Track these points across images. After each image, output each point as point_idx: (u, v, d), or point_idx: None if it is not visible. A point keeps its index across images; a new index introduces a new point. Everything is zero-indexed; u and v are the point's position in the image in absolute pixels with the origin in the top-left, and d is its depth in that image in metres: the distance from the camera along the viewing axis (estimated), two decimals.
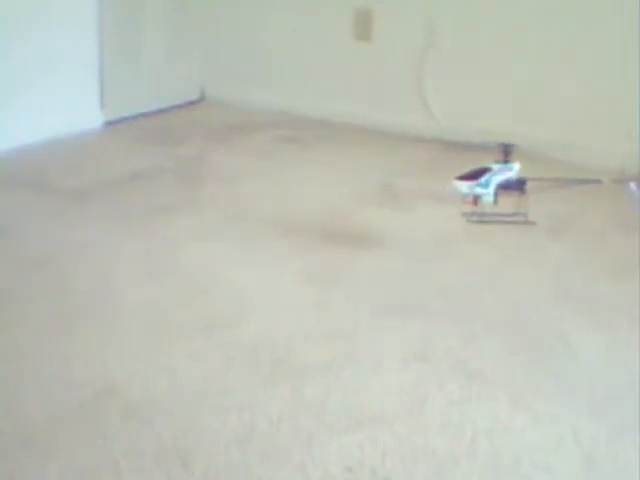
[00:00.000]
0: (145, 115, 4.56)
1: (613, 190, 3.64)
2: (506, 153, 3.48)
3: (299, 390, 2.23)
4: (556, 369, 2.37)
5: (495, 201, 3.34)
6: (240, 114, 4.63)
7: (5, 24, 3.94)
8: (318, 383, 2.27)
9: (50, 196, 3.49)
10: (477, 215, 3.32)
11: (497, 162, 3.47)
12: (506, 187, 3.40)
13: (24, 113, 4.01)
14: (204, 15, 4.83)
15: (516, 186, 3.41)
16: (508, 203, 3.36)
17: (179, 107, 4.77)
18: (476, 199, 3.35)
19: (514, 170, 3.47)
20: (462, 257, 3.06)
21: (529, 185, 3.44)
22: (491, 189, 3.34)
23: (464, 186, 3.34)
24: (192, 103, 4.86)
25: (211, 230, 3.23)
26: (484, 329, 2.55)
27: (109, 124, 4.41)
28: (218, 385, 2.25)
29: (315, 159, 4.03)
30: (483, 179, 3.35)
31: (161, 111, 4.65)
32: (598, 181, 3.63)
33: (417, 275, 2.90)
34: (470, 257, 3.05)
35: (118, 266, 2.93)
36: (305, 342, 2.47)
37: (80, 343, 2.44)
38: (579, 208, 3.49)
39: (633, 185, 3.44)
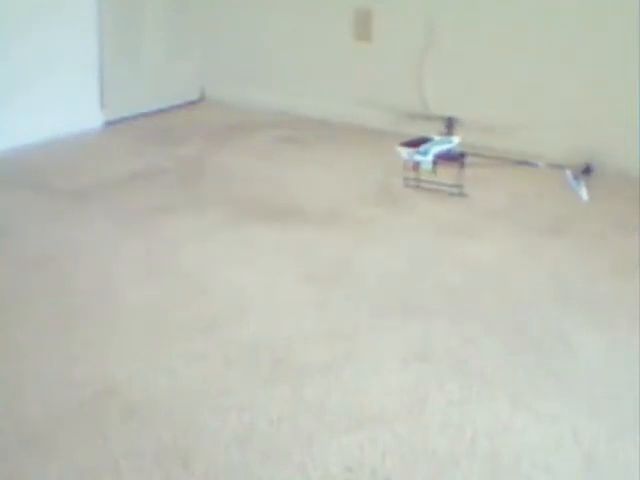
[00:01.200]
0: (145, 115, 4.56)
1: (548, 174, 3.78)
2: (449, 126, 3.90)
3: (299, 390, 2.23)
4: (556, 369, 2.37)
5: (433, 170, 3.59)
6: (240, 114, 4.63)
7: (5, 24, 3.94)
8: (318, 383, 2.27)
9: (50, 196, 3.49)
10: (414, 180, 3.60)
11: (440, 134, 3.83)
12: (446, 158, 3.64)
13: (24, 113, 4.01)
14: (204, 15, 4.83)
15: (456, 158, 3.63)
16: (446, 174, 3.60)
17: (179, 107, 4.77)
18: (415, 165, 3.61)
19: (453, 142, 3.71)
20: (462, 257, 3.06)
21: (468, 160, 3.66)
22: (430, 157, 3.59)
23: (405, 152, 3.62)
24: (192, 103, 4.86)
25: (211, 230, 3.23)
26: (484, 329, 2.55)
27: (109, 124, 4.41)
28: (218, 385, 2.25)
29: (315, 159, 4.03)
30: (423, 147, 3.61)
31: (161, 111, 4.65)
32: (535, 164, 3.81)
33: (417, 275, 2.90)
34: (470, 257, 3.06)
35: (118, 266, 2.93)
36: (305, 342, 2.47)
37: (80, 343, 2.44)
38: (512, 186, 3.70)
39: (569, 172, 3.61)
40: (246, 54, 4.78)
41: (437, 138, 3.73)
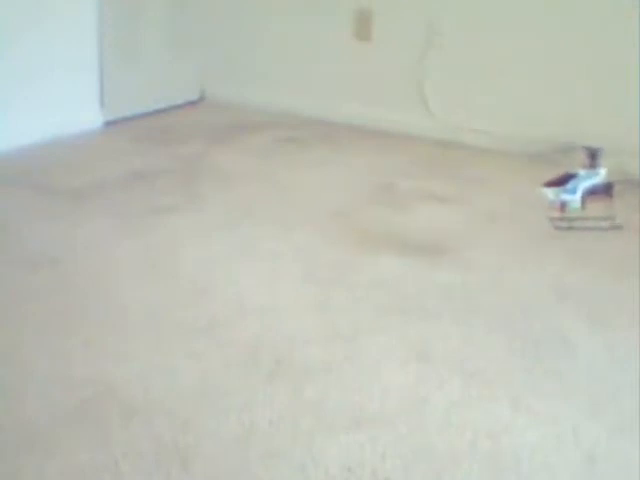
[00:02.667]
0: (145, 115, 4.56)
1: None
2: (592, 157, 3.42)
3: (299, 390, 2.23)
4: (556, 369, 2.37)
5: (583, 207, 3.31)
6: (240, 114, 4.63)
7: (5, 24, 3.93)
8: (318, 383, 2.27)
9: (50, 196, 3.49)
10: (563, 221, 3.29)
11: (583, 167, 3.41)
12: (594, 192, 3.35)
13: (24, 113, 4.01)
14: (204, 15, 4.83)
15: (603, 190, 3.36)
16: (593, 209, 3.33)
17: (179, 107, 4.77)
18: (563, 205, 3.32)
19: (600, 175, 3.39)
20: (463, 257, 3.06)
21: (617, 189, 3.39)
22: (578, 195, 3.30)
23: (551, 192, 3.33)
24: (192, 103, 4.86)
25: (211, 230, 3.23)
26: (484, 329, 2.55)
27: (109, 124, 4.41)
28: (218, 385, 2.25)
29: (315, 159, 4.03)
30: (570, 185, 3.32)
31: (161, 111, 4.65)
32: None
33: (418, 275, 2.90)
34: (471, 257, 3.06)
35: (118, 266, 2.93)
36: (305, 342, 2.46)
37: (80, 343, 2.44)
38: None
39: None
40: (246, 54, 4.78)
41: (582, 172, 3.40)
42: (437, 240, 3.20)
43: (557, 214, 3.31)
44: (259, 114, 4.60)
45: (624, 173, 3.66)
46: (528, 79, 4.10)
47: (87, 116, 4.33)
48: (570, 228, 3.26)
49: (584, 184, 3.34)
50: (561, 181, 3.35)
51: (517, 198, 3.58)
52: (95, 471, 1.93)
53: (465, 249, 3.12)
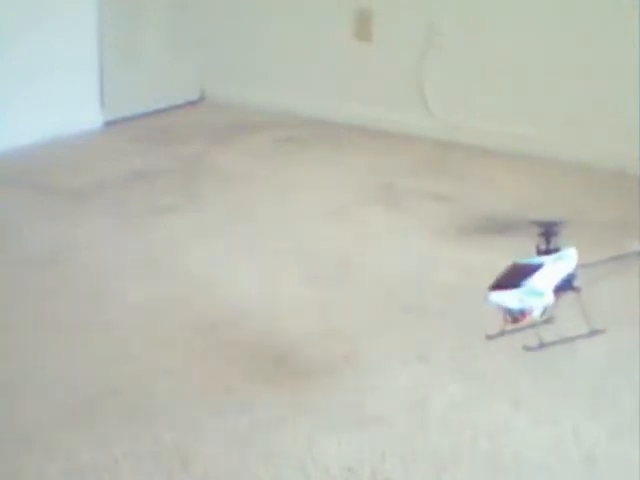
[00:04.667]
0: (145, 115, 4.56)
1: None
2: (549, 235, 2.34)
3: (299, 390, 2.23)
4: (556, 369, 2.37)
5: (544, 313, 2.30)
6: (240, 114, 4.63)
7: (5, 24, 3.93)
8: (318, 383, 2.27)
9: (50, 196, 3.49)
10: (540, 343, 2.33)
11: (540, 252, 2.35)
12: (559, 288, 2.34)
13: (24, 113, 4.01)
14: (204, 15, 4.82)
15: (567, 284, 2.35)
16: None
17: (179, 107, 4.76)
18: (522, 316, 2.25)
19: (572, 260, 2.35)
20: (463, 257, 3.05)
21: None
22: (549, 296, 2.28)
23: (502, 299, 2.24)
24: (192, 103, 4.85)
25: (211, 230, 3.23)
26: (484, 329, 2.55)
27: (109, 124, 4.41)
28: (218, 385, 2.25)
29: (315, 159, 4.03)
30: (531, 282, 2.25)
31: (161, 111, 4.65)
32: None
33: (418, 275, 2.90)
34: (471, 257, 3.05)
35: (118, 266, 2.93)
36: (305, 342, 2.46)
37: (80, 343, 2.44)
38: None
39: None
40: (246, 54, 4.77)
41: (538, 259, 2.33)
42: (438, 239, 3.20)
43: (510, 327, 2.30)
44: (259, 114, 4.59)
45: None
46: (528, 79, 4.10)
47: (87, 116, 4.33)
48: (542, 346, 2.34)
49: (551, 277, 2.30)
50: (511, 279, 2.27)
51: (517, 198, 3.58)
52: (95, 471, 1.93)
53: (466, 250, 3.12)
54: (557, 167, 3.86)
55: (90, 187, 3.60)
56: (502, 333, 2.28)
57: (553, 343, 2.28)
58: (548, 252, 2.32)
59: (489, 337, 2.29)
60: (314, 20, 4.58)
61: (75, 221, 3.27)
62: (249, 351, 2.40)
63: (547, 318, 2.32)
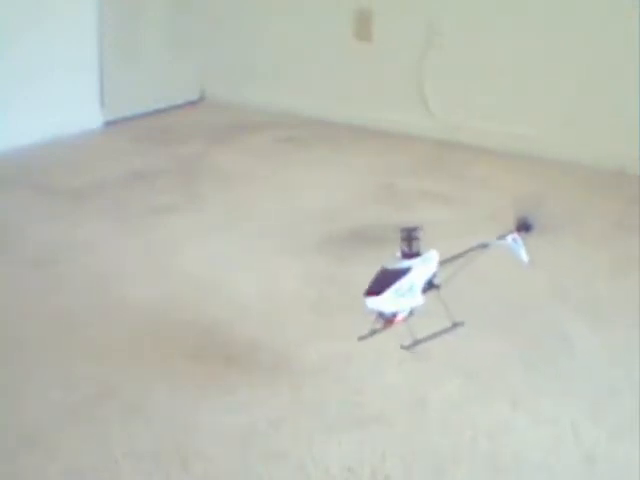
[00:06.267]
0: (145, 115, 4.56)
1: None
2: (409, 240, 2.39)
3: (299, 390, 2.23)
4: (556, 369, 2.37)
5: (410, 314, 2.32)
6: (240, 114, 4.63)
7: (5, 24, 3.93)
8: (318, 383, 2.27)
9: (50, 196, 3.49)
10: (414, 341, 2.32)
11: (404, 255, 2.37)
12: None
13: (24, 113, 4.01)
14: (204, 15, 4.82)
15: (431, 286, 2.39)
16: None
17: (179, 107, 4.77)
18: (391, 319, 2.29)
19: (433, 262, 2.38)
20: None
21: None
22: (418, 298, 2.32)
23: (378, 303, 2.26)
24: (192, 103, 4.85)
25: (211, 230, 3.23)
26: (484, 329, 2.55)
27: (109, 124, 4.41)
28: (218, 385, 2.25)
29: (315, 159, 4.03)
30: (401, 285, 2.29)
31: (161, 111, 4.65)
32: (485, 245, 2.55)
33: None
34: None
35: (118, 266, 2.93)
36: (305, 342, 2.46)
37: (80, 343, 2.44)
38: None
39: (509, 238, 2.48)
40: (246, 54, 4.77)
41: (414, 262, 2.34)
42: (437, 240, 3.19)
43: (380, 327, 2.30)
44: (259, 114, 4.59)
45: None
46: (528, 79, 4.10)
47: (87, 116, 4.33)
48: (416, 343, 2.33)
49: (418, 279, 2.33)
50: (382, 283, 2.29)
51: (517, 198, 3.57)
52: (95, 471, 1.93)
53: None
54: (557, 167, 3.86)
55: (90, 187, 3.60)
56: (372, 333, 2.30)
57: (425, 339, 2.31)
58: (411, 256, 2.37)
59: (360, 338, 2.29)
60: (314, 20, 4.58)
61: (75, 221, 3.27)
62: (249, 351, 2.40)
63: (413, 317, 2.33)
